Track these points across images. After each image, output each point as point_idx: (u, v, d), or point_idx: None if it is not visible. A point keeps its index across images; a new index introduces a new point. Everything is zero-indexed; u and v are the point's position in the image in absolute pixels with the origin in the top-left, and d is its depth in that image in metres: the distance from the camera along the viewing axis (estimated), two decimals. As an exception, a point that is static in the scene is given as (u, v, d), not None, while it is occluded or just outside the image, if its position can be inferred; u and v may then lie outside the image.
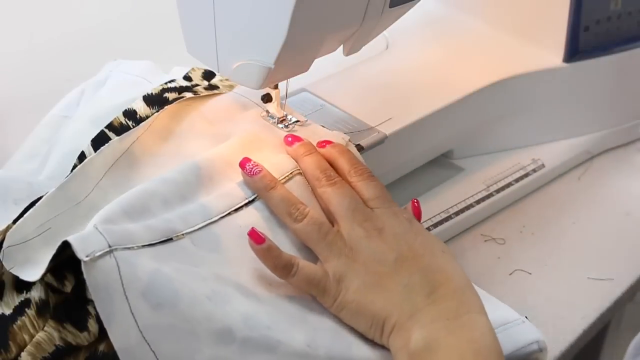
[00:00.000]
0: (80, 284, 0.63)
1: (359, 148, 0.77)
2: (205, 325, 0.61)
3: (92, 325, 0.62)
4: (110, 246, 0.60)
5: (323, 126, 0.79)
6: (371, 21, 0.71)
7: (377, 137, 0.79)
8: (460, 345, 0.60)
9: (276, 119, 0.76)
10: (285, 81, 0.76)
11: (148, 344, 0.59)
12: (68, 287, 0.64)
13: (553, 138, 0.97)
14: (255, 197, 0.69)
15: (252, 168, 0.68)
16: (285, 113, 0.77)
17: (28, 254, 0.64)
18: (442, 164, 0.93)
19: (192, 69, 0.81)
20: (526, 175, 0.93)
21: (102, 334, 0.62)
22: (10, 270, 0.63)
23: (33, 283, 0.64)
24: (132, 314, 0.59)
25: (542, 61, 0.94)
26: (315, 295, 0.66)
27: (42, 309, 0.63)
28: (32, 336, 0.62)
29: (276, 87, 0.76)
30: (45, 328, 0.63)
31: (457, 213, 0.86)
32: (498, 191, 0.91)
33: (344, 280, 0.65)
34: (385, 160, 0.82)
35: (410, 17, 0.78)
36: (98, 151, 0.70)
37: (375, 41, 0.77)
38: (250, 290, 0.65)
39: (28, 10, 1.15)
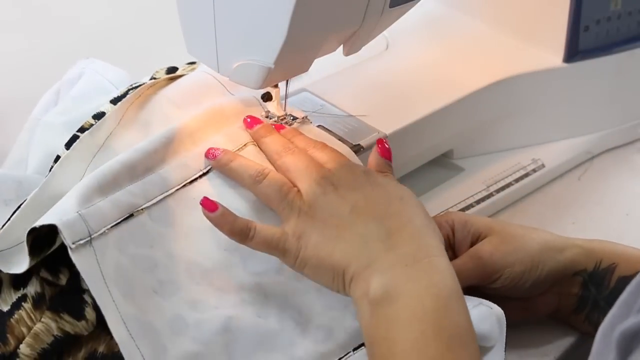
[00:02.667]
0: (75, 276, 0.64)
1: (359, 148, 0.77)
2: (157, 316, 0.62)
3: (90, 313, 0.63)
4: (90, 235, 0.62)
5: (321, 126, 0.79)
6: (371, 21, 0.71)
7: (377, 137, 0.79)
8: (420, 291, 0.60)
9: (276, 118, 0.76)
10: (285, 81, 0.76)
11: (133, 338, 0.61)
12: (63, 280, 0.65)
13: (553, 138, 0.97)
14: (209, 169, 0.70)
15: (214, 152, 0.70)
16: (285, 112, 0.77)
17: (22, 255, 0.65)
18: (442, 164, 0.93)
19: (157, 70, 0.81)
20: (526, 175, 0.93)
21: (100, 324, 0.63)
22: (7, 272, 0.64)
23: (29, 279, 0.65)
24: (114, 302, 0.61)
25: (542, 61, 0.94)
26: (277, 257, 0.66)
27: (39, 302, 0.64)
28: (29, 328, 0.63)
29: (276, 86, 0.76)
30: (43, 319, 0.64)
31: (457, 213, 0.86)
32: (498, 191, 0.91)
33: (303, 237, 0.65)
34: (385, 160, 0.82)
35: (410, 17, 0.78)
36: (71, 148, 0.71)
37: (375, 41, 0.77)
38: (202, 264, 0.66)
39: (28, 10, 1.15)
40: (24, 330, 0.63)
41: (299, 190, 0.67)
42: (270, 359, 0.64)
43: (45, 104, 0.83)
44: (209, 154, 0.70)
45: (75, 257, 0.61)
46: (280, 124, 0.74)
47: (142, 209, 0.66)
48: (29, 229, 0.62)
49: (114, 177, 0.66)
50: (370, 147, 0.78)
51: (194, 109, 0.75)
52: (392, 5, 0.71)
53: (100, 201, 0.64)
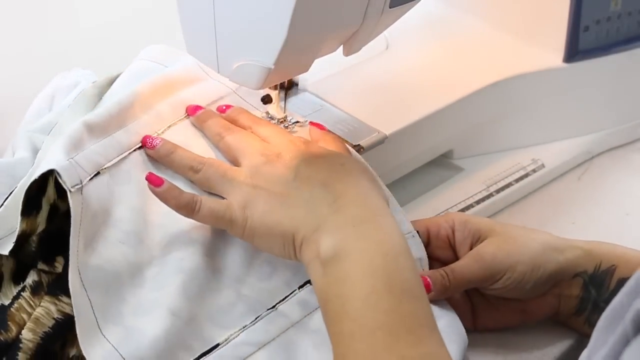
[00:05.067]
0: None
1: (359, 148, 0.77)
2: (123, 265, 0.65)
3: None
4: (81, 182, 0.65)
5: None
6: (371, 21, 0.71)
7: (377, 137, 0.79)
8: (369, 248, 0.61)
9: (276, 120, 0.76)
10: (285, 82, 0.76)
11: (85, 288, 0.63)
12: (59, 268, 0.66)
13: (553, 138, 0.97)
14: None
15: (152, 141, 0.71)
16: (285, 114, 0.77)
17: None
18: (442, 164, 0.93)
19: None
20: (526, 175, 0.93)
21: None
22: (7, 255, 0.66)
23: (28, 273, 0.66)
24: (77, 251, 0.63)
25: (542, 61, 0.94)
26: (225, 229, 0.67)
27: (36, 289, 0.65)
28: (30, 315, 0.65)
29: (276, 87, 0.76)
30: (42, 304, 0.65)
31: (457, 213, 0.86)
32: (498, 191, 0.90)
33: (249, 207, 0.66)
34: (385, 160, 0.82)
35: (410, 17, 0.78)
36: (41, 151, 0.73)
37: (375, 41, 0.77)
38: (158, 218, 0.68)
39: (28, 10, 1.15)
40: (24, 316, 0.64)
41: (239, 166, 0.68)
42: (221, 297, 0.66)
43: (38, 109, 0.83)
44: (146, 143, 0.71)
45: (72, 201, 0.63)
46: (227, 105, 0.75)
47: (105, 168, 0.68)
48: (29, 183, 0.64)
49: (81, 137, 0.68)
50: (370, 148, 0.78)
51: None
52: (392, 5, 0.71)
53: (76, 155, 0.67)
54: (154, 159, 0.71)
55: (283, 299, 0.67)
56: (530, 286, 0.71)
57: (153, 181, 0.66)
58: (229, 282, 0.67)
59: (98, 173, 0.67)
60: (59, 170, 0.63)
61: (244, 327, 0.66)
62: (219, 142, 0.71)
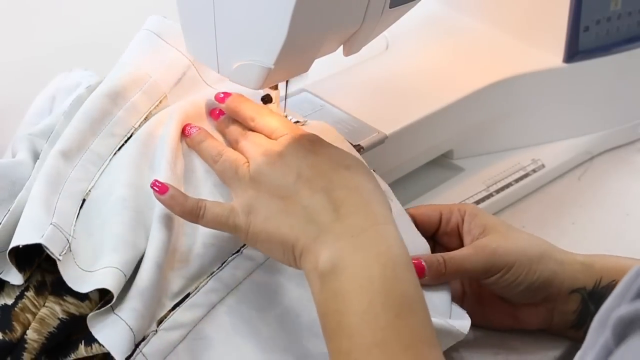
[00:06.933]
0: None
1: (359, 148, 0.77)
2: (145, 243, 0.66)
3: (93, 292, 0.64)
4: (68, 241, 0.65)
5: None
6: (371, 21, 0.70)
7: (377, 137, 0.79)
8: (367, 261, 0.60)
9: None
10: (285, 81, 0.76)
11: (125, 275, 0.64)
12: None
13: (553, 138, 0.97)
14: (132, 134, 0.72)
15: (190, 129, 0.72)
16: (285, 113, 0.77)
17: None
18: (442, 164, 0.93)
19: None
20: (526, 175, 0.93)
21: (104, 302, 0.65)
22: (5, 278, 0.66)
23: (31, 272, 0.66)
24: (107, 272, 0.64)
25: (542, 61, 0.94)
26: (230, 233, 0.67)
27: (40, 289, 0.65)
28: (34, 314, 0.65)
29: (276, 87, 0.76)
30: (47, 304, 0.65)
31: (457, 213, 0.86)
32: (498, 191, 0.91)
33: (252, 212, 0.65)
34: (385, 160, 0.82)
35: (410, 17, 0.78)
36: (40, 158, 0.73)
37: (375, 41, 0.77)
38: (146, 189, 0.68)
39: (28, 10, 1.15)
40: (29, 316, 0.64)
41: (248, 167, 0.68)
42: (190, 251, 0.67)
43: (40, 110, 0.83)
44: (185, 131, 0.72)
45: (62, 268, 0.63)
46: (226, 93, 0.74)
47: (88, 191, 0.69)
48: (9, 249, 0.64)
49: (57, 171, 0.69)
50: (370, 148, 0.78)
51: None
52: (392, 6, 0.71)
53: (57, 201, 0.67)
54: (189, 146, 0.71)
55: None
56: (522, 289, 0.71)
57: (158, 189, 0.66)
58: (197, 236, 0.68)
59: (84, 200, 0.69)
60: (44, 244, 0.63)
61: (212, 274, 0.67)
62: (236, 150, 0.71)
